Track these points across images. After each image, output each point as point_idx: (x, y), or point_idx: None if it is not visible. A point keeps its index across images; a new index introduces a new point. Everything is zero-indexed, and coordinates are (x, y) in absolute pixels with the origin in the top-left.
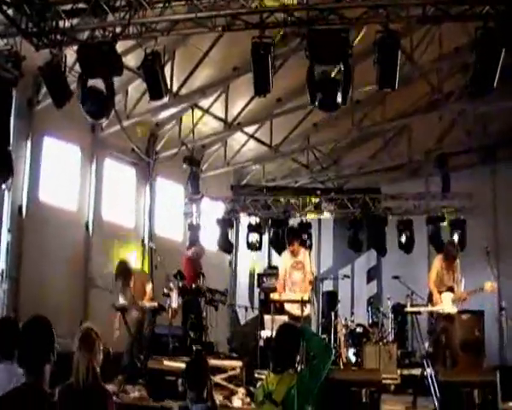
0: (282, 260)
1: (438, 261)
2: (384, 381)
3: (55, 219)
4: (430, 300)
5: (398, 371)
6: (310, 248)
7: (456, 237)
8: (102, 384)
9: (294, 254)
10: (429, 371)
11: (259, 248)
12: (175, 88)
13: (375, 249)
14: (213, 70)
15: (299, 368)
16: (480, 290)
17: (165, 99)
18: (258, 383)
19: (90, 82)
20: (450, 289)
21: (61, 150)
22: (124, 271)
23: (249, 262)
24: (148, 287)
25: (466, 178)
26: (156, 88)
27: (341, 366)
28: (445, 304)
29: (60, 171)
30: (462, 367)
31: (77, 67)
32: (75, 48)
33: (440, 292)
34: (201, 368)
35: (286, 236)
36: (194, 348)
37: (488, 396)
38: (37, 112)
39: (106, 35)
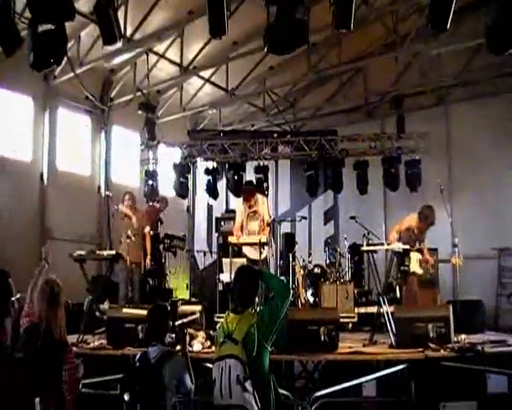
0: (238, 210)
1: (414, 221)
2: (342, 319)
3: (9, 171)
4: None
5: (356, 310)
6: (267, 190)
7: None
8: (65, 338)
9: (250, 204)
10: (385, 308)
11: (217, 192)
12: (129, 33)
13: (332, 190)
14: (168, 14)
15: (258, 309)
16: (445, 261)
17: (119, 44)
18: (218, 325)
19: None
20: (419, 251)
21: (13, 101)
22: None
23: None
24: (147, 229)
25: (421, 119)
26: (109, 32)
27: (300, 307)
28: (413, 263)
29: (12, 122)
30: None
31: (27, 13)
32: None
33: (409, 250)
34: (162, 312)
35: (242, 192)
36: (170, 300)
37: (442, 330)
38: None
39: None
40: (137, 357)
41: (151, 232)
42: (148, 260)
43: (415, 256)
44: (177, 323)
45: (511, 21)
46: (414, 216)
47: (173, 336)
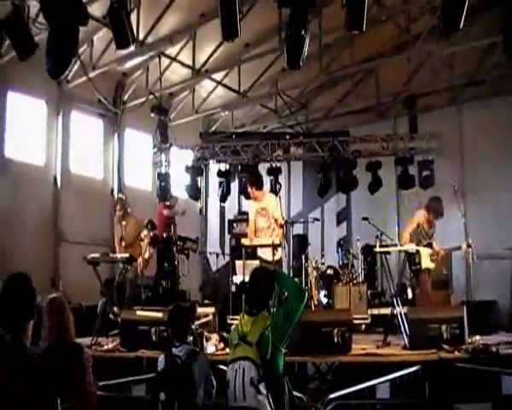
0: (250, 208)
1: (422, 216)
2: (355, 321)
3: (23, 174)
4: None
5: (369, 311)
6: (279, 191)
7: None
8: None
9: (257, 200)
10: (398, 309)
11: (229, 194)
12: (141, 36)
13: (344, 192)
14: (180, 17)
15: (272, 311)
16: (456, 249)
17: (132, 48)
18: (232, 326)
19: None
20: (429, 245)
21: (27, 105)
22: (122, 204)
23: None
24: (144, 233)
25: (433, 119)
26: (122, 36)
27: (313, 308)
28: (424, 259)
29: (25, 126)
30: (430, 304)
31: (40, 19)
32: None
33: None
34: (184, 312)
35: (247, 180)
36: (189, 303)
37: (456, 331)
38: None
39: None
40: (162, 359)
41: (153, 235)
42: (140, 264)
43: (425, 252)
44: (193, 326)
45: None
46: (421, 211)
47: (191, 339)
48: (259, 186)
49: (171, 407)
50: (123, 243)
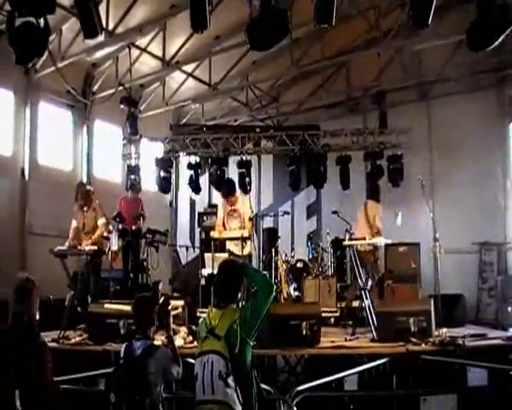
0: (220, 207)
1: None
2: (324, 314)
3: None
4: None
5: (338, 304)
6: (249, 185)
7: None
8: (38, 334)
9: (230, 202)
10: (367, 302)
11: (199, 187)
12: (111, 26)
13: (314, 186)
14: (150, 7)
15: (240, 304)
16: None
17: (101, 37)
18: (200, 319)
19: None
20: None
21: None
22: (84, 194)
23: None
24: (101, 221)
25: (403, 114)
26: (90, 26)
27: (282, 301)
28: None
29: None
30: (398, 297)
31: (7, 6)
32: None
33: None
34: (146, 304)
35: (221, 193)
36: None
37: (423, 324)
38: None
39: None
40: (122, 352)
41: (122, 228)
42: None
43: None
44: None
45: (490, 19)
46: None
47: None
48: (233, 192)
49: (120, 408)
50: (84, 230)
